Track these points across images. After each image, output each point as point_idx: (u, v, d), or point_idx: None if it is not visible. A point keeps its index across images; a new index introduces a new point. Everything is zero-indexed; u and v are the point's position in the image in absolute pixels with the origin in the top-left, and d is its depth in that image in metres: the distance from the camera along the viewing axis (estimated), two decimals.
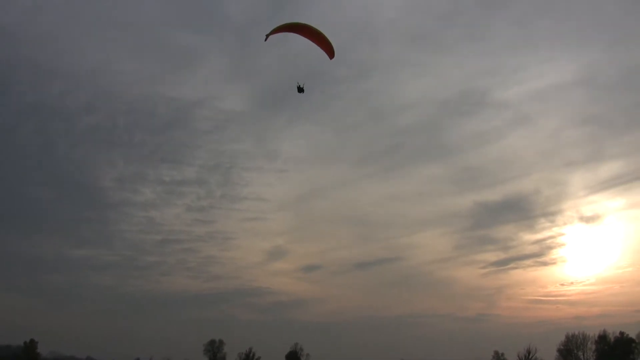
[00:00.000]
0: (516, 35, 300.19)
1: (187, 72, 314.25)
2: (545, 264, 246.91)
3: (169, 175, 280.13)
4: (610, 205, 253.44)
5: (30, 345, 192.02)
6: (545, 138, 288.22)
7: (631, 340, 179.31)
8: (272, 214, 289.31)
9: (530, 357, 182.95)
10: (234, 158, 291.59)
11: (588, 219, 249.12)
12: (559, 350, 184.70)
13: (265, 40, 55.63)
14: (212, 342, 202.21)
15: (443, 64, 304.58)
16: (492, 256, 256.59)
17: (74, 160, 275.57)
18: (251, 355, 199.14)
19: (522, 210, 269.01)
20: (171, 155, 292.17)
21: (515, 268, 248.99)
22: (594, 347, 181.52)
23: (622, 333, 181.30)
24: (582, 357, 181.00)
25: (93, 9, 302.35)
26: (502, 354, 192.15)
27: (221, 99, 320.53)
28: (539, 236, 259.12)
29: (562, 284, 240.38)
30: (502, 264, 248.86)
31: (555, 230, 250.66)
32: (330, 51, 59.11)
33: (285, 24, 56.93)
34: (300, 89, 62.01)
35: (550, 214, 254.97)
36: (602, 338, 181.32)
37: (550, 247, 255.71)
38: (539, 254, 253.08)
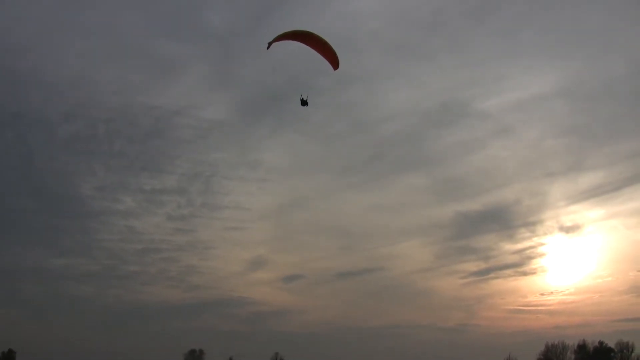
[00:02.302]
0: (498, 46, 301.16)
1: (168, 81, 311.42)
2: (525, 273, 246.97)
3: (150, 184, 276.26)
4: (590, 216, 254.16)
5: (9, 356, 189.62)
6: (527, 148, 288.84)
7: (610, 350, 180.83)
8: (253, 224, 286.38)
9: None
10: (215, 167, 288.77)
11: (568, 229, 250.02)
12: None
13: (268, 48, 53.11)
14: (192, 352, 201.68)
15: (425, 75, 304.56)
16: (472, 266, 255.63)
17: (54, 169, 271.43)
18: None
19: (502, 220, 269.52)
20: (152, 163, 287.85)
21: (496, 278, 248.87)
22: (573, 356, 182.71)
23: (601, 342, 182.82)
24: None
25: (73, 18, 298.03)
26: None
27: (203, 108, 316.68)
28: (519, 246, 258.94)
29: (542, 294, 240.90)
30: (483, 273, 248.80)
31: (535, 240, 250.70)
32: (334, 62, 57.22)
33: (289, 32, 54.42)
34: (304, 102, 59.97)
35: (530, 224, 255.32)
36: (582, 347, 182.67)
37: (530, 257, 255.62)
38: (519, 264, 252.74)
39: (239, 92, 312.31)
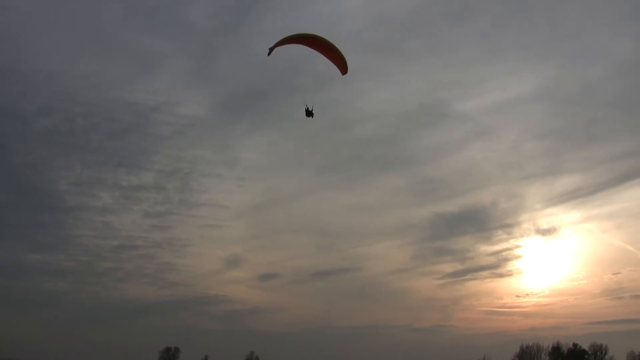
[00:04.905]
0: (478, 48, 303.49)
1: (147, 77, 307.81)
2: (501, 275, 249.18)
3: (127, 180, 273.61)
4: (567, 219, 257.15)
5: None
6: (505, 151, 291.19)
7: (584, 352, 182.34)
8: (230, 222, 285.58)
9: None
10: (193, 164, 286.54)
11: (544, 232, 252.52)
12: None
13: (269, 54, 50.00)
14: (167, 350, 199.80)
15: (405, 75, 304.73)
16: (449, 267, 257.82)
17: (30, 163, 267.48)
18: None
19: (479, 222, 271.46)
20: (129, 159, 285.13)
21: (472, 279, 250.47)
22: (547, 358, 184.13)
23: (575, 345, 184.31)
24: None
25: (52, 10, 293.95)
26: None
27: (181, 105, 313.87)
28: (495, 248, 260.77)
29: (518, 296, 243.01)
30: (459, 275, 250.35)
31: (512, 243, 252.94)
32: (342, 65, 54.55)
33: (293, 35, 51.24)
34: (309, 113, 56.71)
35: (507, 226, 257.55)
36: (556, 349, 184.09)
37: (506, 259, 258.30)
38: (496, 266, 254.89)
39: (218, 89, 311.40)
